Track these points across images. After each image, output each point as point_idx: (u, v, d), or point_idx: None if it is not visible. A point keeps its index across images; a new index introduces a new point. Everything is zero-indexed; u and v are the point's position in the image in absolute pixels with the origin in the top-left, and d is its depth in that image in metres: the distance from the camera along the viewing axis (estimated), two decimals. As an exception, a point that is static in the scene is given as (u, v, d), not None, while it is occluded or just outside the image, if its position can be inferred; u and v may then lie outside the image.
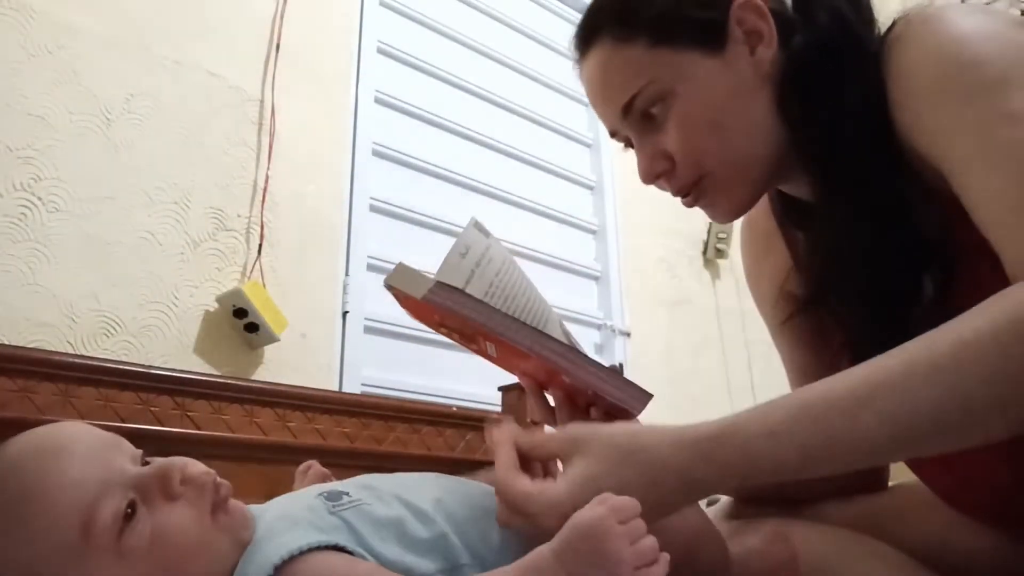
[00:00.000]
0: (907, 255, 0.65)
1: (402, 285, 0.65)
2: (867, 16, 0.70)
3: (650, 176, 0.75)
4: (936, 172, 0.61)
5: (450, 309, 0.64)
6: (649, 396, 0.73)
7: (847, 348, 0.71)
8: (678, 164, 0.72)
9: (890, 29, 0.66)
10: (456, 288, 0.65)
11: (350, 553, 0.55)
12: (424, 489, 0.64)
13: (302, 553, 0.54)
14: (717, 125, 0.70)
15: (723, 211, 0.76)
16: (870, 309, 0.68)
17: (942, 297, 0.63)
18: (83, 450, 0.56)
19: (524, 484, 0.57)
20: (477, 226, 0.70)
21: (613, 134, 0.78)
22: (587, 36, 0.75)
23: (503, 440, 0.61)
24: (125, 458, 0.57)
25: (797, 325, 0.83)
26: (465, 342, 0.73)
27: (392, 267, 0.67)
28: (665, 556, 0.51)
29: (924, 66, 0.61)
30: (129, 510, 0.54)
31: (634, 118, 0.73)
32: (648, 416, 0.78)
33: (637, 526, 0.50)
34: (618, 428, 0.59)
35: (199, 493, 0.57)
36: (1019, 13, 0.61)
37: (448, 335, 0.73)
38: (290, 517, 0.59)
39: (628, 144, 0.77)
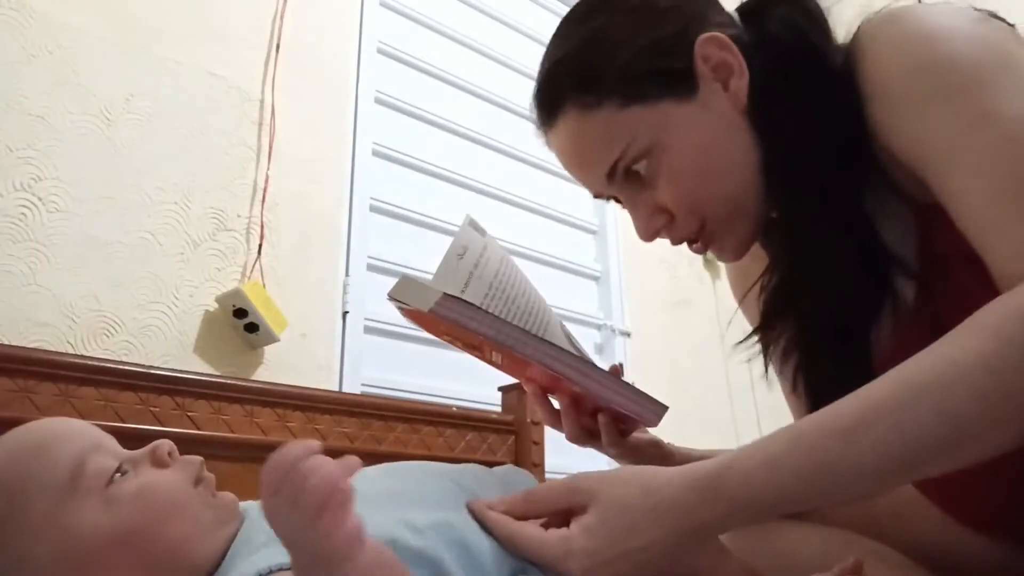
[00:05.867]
0: (867, 272, 0.64)
1: (406, 298, 0.64)
2: (820, 20, 0.69)
3: (650, 233, 0.72)
4: (914, 177, 0.60)
5: (456, 322, 0.62)
6: (665, 408, 0.71)
7: (802, 365, 0.71)
8: (677, 216, 0.70)
9: (856, 34, 0.65)
10: (462, 300, 0.63)
11: None
12: (421, 503, 0.62)
13: (271, 572, 0.54)
14: (707, 169, 0.68)
15: (731, 250, 0.74)
16: (825, 325, 0.67)
17: (924, 305, 0.63)
18: (80, 427, 0.62)
19: (533, 531, 0.58)
20: (472, 224, 0.68)
21: (597, 196, 0.75)
22: (550, 108, 0.71)
23: (490, 516, 0.60)
24: (116, 447, 0.63)
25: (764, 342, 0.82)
26: (469, 350, 0.72)
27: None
28: (338, 471, 0.46)
29: (895, 68, 0.60)
30: (118, 472, 0.59)
31: (619, 180, 0.70)
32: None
33: (293, 486, 0.45)
34: (626, 472, 0.59)
35: (185, 465, 0.62)
36: (974, 11, 0.60)
37: (452, 343, 0.72)
38: (268, 531, 0.58)
39: (616, 201, 0.74)
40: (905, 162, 0.61)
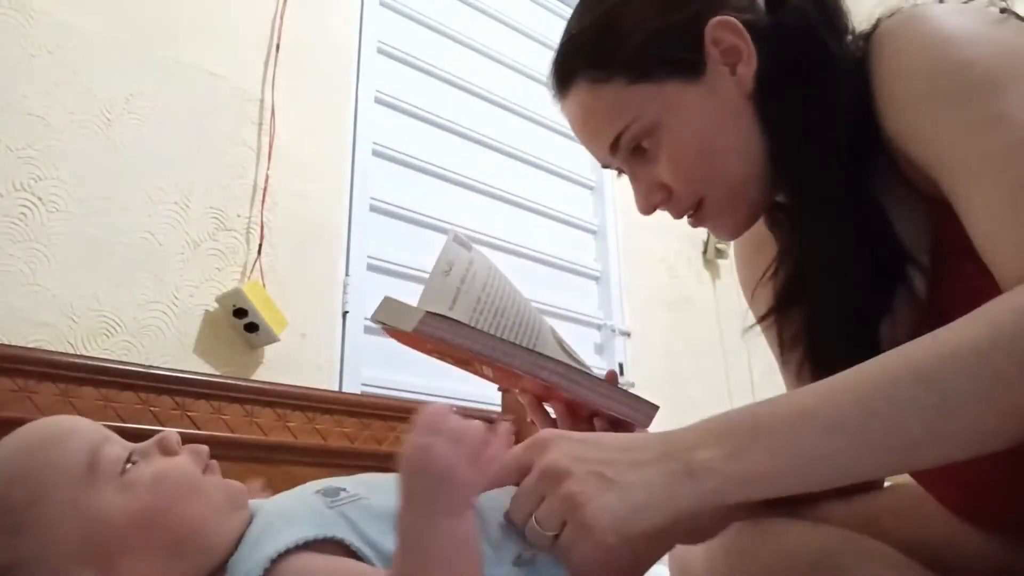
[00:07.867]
0: (878, 265, 0.64)
1: (390, 320, 0.64)
2: (833, 13, 0.69)
3: (648, 207, 0.75)
4: (924, 174, 0.60)
5: (441, 339, 0.62)
6: (655, 408, 0.72)
7: (809, 354, 0.71)
8: (675, 193, 0.72)
9: (874, 29, 0.65)
10: (446, 316, 0.62)
11: (347, 546, 0.56)
12: None
13: (299, 548, 0.55)
14: (708, 151, 0.70)
15: (727, 230, 0.75)
16: (835, 316, 0.67)
17: (935, 298, 0.63)
18: (86, 422, 0.64)
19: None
20: (457, 239, 0.67)
21: (605, 166, 0.77)
22: (563, 78, 0.74)
23: None
24: (121, 440, 0.64)
25: (776, 327, 0.82)
26: (459, 364, 0.71)
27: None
28: (499, 434, 0.54)
29: (909, 69, 0.61)
30: (129, 462, 0.60)
31: (623, 153, 0.73)
32: (648, 416, 0.77)
33: (455, 427, 0.52)
34: None
35: (193, 453, 0.63)
36: (997, 11, 0.60)
37: (441, 359, 0.71)
38: (287, 514, 0.59)
39: (622, 172, 0.77)
40: (916, 161, 0.61)
